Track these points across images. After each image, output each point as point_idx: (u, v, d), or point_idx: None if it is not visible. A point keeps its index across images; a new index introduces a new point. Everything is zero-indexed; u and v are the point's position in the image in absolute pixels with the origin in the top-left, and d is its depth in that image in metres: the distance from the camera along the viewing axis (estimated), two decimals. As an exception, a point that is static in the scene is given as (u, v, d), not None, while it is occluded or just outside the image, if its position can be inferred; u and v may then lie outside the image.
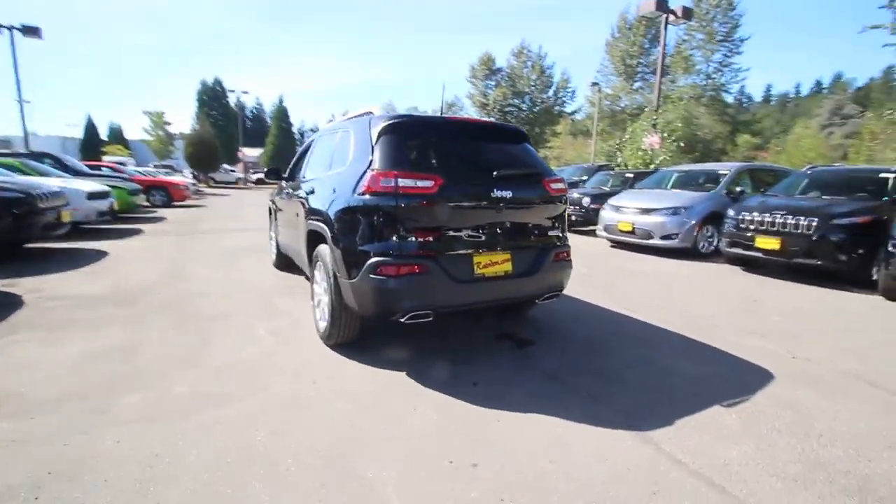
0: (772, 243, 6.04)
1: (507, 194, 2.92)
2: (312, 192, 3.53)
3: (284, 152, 35.88)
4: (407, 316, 2.69)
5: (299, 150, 5.13)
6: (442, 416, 2.36)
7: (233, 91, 37.59)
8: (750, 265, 6.69)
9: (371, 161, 2.79)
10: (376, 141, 2.86)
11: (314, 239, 3.43)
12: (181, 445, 2.03)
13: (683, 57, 34.85)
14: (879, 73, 49.54)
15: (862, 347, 3.48)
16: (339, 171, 3.16)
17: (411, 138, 2.94)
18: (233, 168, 39.06)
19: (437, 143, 2.97)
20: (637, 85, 38.43)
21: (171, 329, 3.55)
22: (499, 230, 2.95)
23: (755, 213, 6.29)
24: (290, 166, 5.16)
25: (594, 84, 34.13)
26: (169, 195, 15.16)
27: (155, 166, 27.61)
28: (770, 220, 6.10)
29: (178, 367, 2.85)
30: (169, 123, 37.80)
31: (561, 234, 3.30)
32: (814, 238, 5.67)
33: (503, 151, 3.19)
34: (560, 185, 3.25)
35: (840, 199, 6.20)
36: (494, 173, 2.92)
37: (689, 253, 7.50)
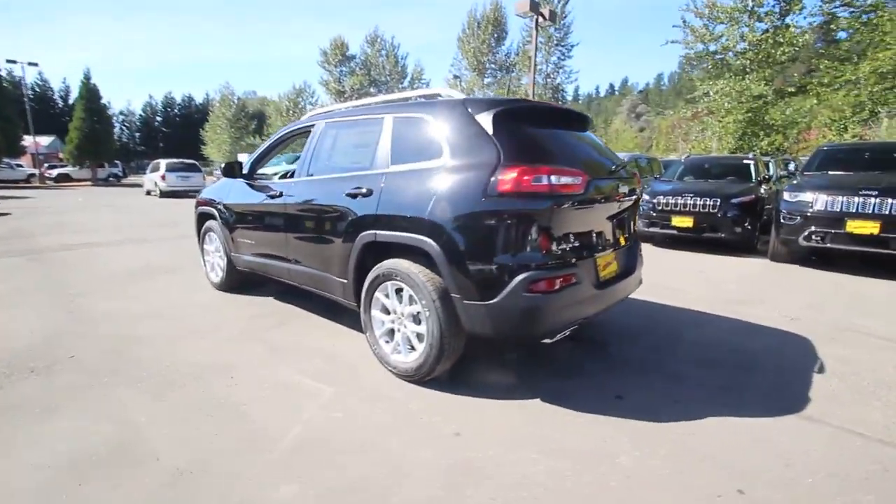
0: (686, 221, 7.20)
1: (625, 189, 2.71)
2: (364, 193, 2.77)
3: (97, 141, 29.06)
4: (559, 335, 2.30)
5: (266, 143, 4.05)
6: (646, 447, 1.99)
7: (12, 62, 28.79)
8: (664, 241, 7.71)
9: (499, 154, 2.26)
10: (495, 130, 2.34)
11: (378, 254, 2.72)
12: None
13: (528, 56, 38.26)
14: (653, 80, 61.80)
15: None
16: (427, 165, 2.51)
17: (529, 126, 2.49)
18: (18, 162, 30.32)
19: (546, 133, 2.57)
20: (488, 80, 41.02)
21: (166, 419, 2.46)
22: (611, 228, 2.72)
23: (670, 197, 7.35)
24: (253, 162, 4.07)
25: (456, 77, 35.38)
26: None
27: None
28: (683, 202, 7.24)
29: None
30: None
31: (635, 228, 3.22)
32: (718, 215, 6.98)
33: (589, 140, 2.93)
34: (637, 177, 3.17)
35: (730, 182, 7.71)
36: (613, 167, 2.67)
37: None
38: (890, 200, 5.37)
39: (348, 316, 3.58)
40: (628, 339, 3.36)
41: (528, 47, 39.20)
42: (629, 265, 2.92)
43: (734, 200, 6.98)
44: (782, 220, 6.22)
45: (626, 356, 3.06)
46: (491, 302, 2.23)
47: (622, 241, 2.87)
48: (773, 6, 17.53)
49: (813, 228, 6.24)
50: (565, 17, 38.11)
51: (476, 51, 40.10)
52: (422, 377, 2.54)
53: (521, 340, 2.50)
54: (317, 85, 46.42)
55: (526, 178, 2.18)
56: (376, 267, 2.71)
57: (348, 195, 2.86)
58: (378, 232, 2.65)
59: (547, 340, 2.30)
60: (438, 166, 2.46)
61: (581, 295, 2.34)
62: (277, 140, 3.92)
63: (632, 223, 3.08)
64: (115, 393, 2.52)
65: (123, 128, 63.01)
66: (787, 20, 17.34)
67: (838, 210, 6.10)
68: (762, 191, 7.37)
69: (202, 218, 4.69)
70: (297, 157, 3.68)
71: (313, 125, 3.48)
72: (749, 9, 17.67)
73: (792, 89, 17.51)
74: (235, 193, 4.11)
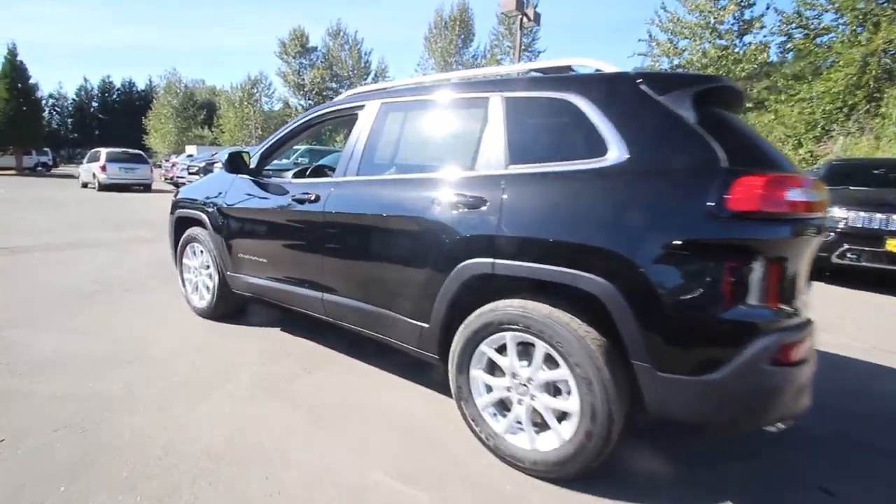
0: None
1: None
2: (470, 204, 1.93)
3: (23, 125, 25.77)
4: (788, 422, 1.59)
5: (283, 130, 3.08)
6: None
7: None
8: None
9: (715, 154, 1.51)
10: (700, 118, 1.59)
11: (488, 290, 1.90)
12: None
13: (496, 60, 38.08)
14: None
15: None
16: (580, 167, 1.71)
17: (724, 113, 1.74)
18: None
19: (742, 124, 1.83)
20: (455, 81, 40.55)
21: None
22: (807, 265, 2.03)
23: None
24: (263, 154, 3.10)
25: (426, 75, 34.54)
26: None
27: None
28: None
29: None
30: None
31: None
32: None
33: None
34: None
35: None
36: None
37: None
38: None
39: (400, 358, 2.72)
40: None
41: (496, 51, 39.13)
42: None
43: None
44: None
45: (819, 432, 2.27)
46: (710, 377, 1.47)
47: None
48: (733, 24, 18.19)
49: (847, 246, 5.99)
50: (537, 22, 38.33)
51: (443, 51, 39.51)
52: (568, 474, 1.75)
53: (738, 429, 1.80)
54: (274, 76, 44.11)
55: (775, 191, 1.45)
56: (486, 309, 1.89)
57: (441, 205, 2.02)
58: (497, 261, 1.82)
59: (771, 429, 1.59)
60: (604, 169, 1.67)
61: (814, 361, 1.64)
62: (301, 126, 2.98)
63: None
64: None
65: (54, 112, 57.30)
66: (747, 38, 18.02)
67: (877, 227, 5.88)
68: None
69: (183, 224, 3.63)
70: (311, 150, 2.76)
71: (362, 106, 2.58)
72: (710, 25, 18.21)
73: (750, 104, 18.13)
74: (237, 193, 3.13)
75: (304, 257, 2.69)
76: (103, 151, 17.58)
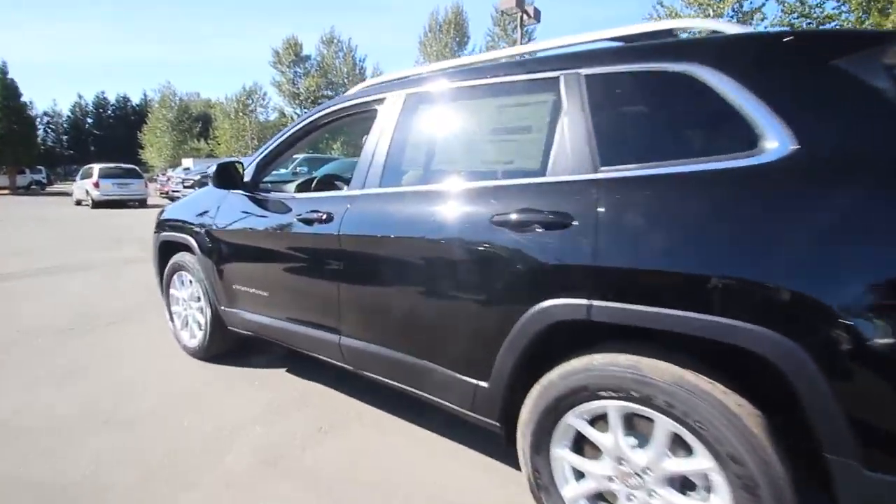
0: None
1: None
2: (544, 223, 1.40)
3: (16, 143, 25.29)
4: None
5: (283, 134, 2.54)
6: None
7: None
8: None
9: None
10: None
11: (571, 339, 1.38)
12: None
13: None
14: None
15: None
16: (720, 166, 1.18)
17: None
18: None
19: None
20: (452, 84, 40.17)
21: None
22: None
23: None
24: (259, 164, 2.58)
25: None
26: None
27: None
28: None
29: None
30: None
31: None
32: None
33: None
34: None
35: None
36: None
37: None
38: None
39: (442, 412, 2.18)
40: None
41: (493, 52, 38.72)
42: None
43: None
44: None
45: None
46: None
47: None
48: (732, 17, 17.75)
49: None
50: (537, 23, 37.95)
51: (438, 54, 39.11)
52: None
53: None
54: (269, 86, 43.77)
55: None
56: (576, 368, 1.36)
57: (501, 225, 1.49)
58: (596, 303, 1.29)
59: None
60: (762, 167, 1.14)
61: None
62: (304, 128, 2.44)
63: None
64: None
65: (48, 130, 57.01)
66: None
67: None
68: None
69: (168, 249, 3.11)
70: (310, 159, 2.24)
71: (381, 100, 2.05)
72: (709, 18, 17.83)
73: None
74: (229, 212, 2.60)
75: (314, 291, 2.16)
76: (96, 167, 17.08)
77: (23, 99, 27.03)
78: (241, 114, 40.76)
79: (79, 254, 6.88)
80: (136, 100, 60.12)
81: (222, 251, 2.62)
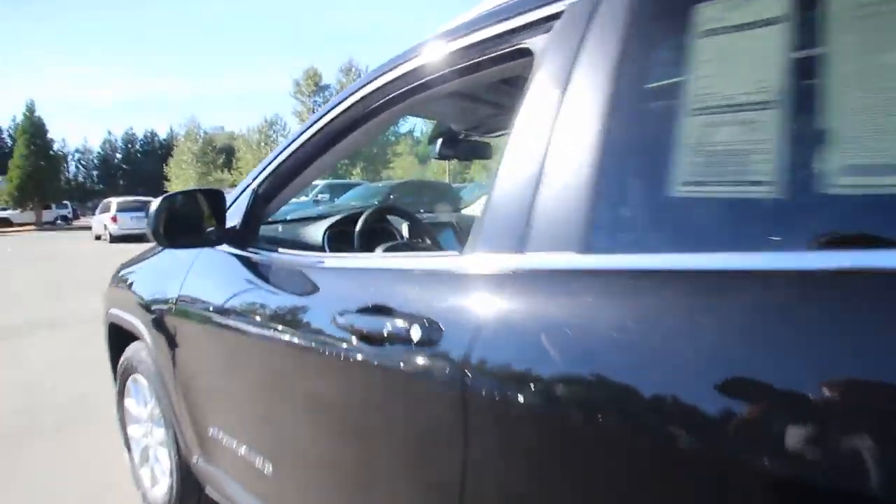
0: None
1: None
2: None
3: (41, 180, 25.39)
4: None
5: (298, 137, 1.27)
6: None
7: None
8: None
9: None
10: None
11: None
12: None
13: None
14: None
15: None
16: None
17: None
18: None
19: None
20: (473, 106, 39.67)
21: None
22: None
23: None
24: (258, 192, 1.35)
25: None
26: None
27: None
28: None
29: None
30: None
31: None
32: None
33: None
34: None
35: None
36: None
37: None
38: None
39: None
40: None
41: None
42: None
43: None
44: None
45: None
46: None
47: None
48: None
49: None
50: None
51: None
52: None
53: None
54: (289, 116, 44.05)
55: None
56: None
57: None
58: None
59: None
60: None
61: None
62: (347, 121, 1.20)
63: None
64: None
65: (80, 166, 58.80)
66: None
67: None
68: None
69: (118, 340, 1.89)
70: (332, 186, 1.13)
71: (558, 14, 0.79)
72: None
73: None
74: (202, 289, 1.38)
75: (403, 472, 0.89)
76: (114, 201, 16.59)
77: (52, 136, 27.40)
78: (263, 144, 41.07)
79: (66, 304, 5.82)
80: (162, 134, 61.68)
81: (190, 362, 1.39)
